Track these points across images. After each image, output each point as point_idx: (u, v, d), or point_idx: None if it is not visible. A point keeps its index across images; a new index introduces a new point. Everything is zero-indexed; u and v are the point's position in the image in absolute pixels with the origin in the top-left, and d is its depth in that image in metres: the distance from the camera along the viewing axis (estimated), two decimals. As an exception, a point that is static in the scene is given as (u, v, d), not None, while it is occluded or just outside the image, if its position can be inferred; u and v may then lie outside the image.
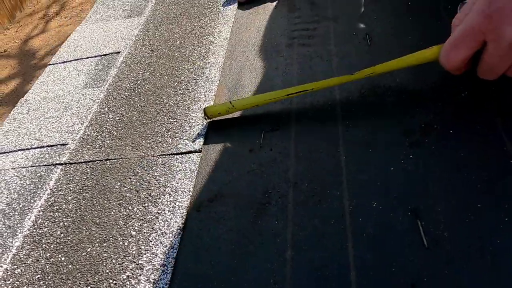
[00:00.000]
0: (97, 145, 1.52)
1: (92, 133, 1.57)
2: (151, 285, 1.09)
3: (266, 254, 1.08)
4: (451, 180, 1.10)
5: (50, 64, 2.00)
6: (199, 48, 1.85)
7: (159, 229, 1.21)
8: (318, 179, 1.22)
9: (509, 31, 0.78)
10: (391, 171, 1.18)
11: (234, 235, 1.14)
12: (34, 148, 1.57)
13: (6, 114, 6.74)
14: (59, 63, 2.00)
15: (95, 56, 1.96)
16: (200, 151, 1.41)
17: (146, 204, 1.28)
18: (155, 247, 1.17)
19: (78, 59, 1.98)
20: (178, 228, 1.20)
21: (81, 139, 1.55)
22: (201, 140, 1.44)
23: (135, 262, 1.14)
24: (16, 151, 1.58)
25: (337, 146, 1.29)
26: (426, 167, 1.16)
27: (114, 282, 1.11)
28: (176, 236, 1.19)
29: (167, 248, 1.17)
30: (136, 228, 1.22)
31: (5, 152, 1.59)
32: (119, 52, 1.94)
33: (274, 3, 1.99)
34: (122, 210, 1.28)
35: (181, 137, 1.47)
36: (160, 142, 1.47)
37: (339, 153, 1.27)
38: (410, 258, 0.97)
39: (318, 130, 1.36)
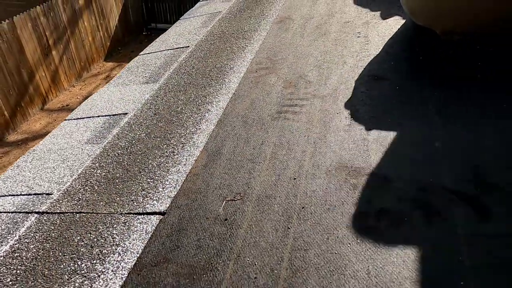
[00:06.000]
0: (77, 198, 1.48)
1: (77, 186, 1.54)
2: None
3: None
4: None
5: (66, 120, 2.03)
6: (196, 115, 1.82)
7: (97, 288, 1.11)
8: (264, 239, 1.09)
9: None
10: None
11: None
12: (23, 195, 1.55)
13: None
14: (73, 119, 2.03)
15: (105, 116, 1.98)
16: (164, 213, 1.32)
17: (94, 261, 1.19)
18: (86, 307, 1.07)
19: (90, 117, 2.00)
20: (115, 290, 1.10)
21: (65, 190, 1.52)
22: (168, 202, 1.36)
23: (62, 320, 1.04)
24: (7, 195, 1.56)
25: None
26: None
27: None
28: (111, 298, 1.09)
29: (97, 310, 1.06)
30: (76, 285, 1.14)
31: (-3, 196, 1.58)
32: (126, 114, 1.94)
33: (273, 80, 1.96)
34: (71, 264, 1.20)
35: (152, 197, 1.40)
36: (132, 200, 1.41)
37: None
38: None
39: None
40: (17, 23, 7.88)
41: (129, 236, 1.28)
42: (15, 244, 1.35)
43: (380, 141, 1.39)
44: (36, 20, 8.49)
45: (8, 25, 7.49)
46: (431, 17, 1.81)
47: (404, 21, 2.19)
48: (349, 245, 1.07)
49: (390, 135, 1.40)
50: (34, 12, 8.07)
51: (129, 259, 1.19)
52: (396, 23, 2.19)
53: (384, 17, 2.30)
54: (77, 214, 1.42)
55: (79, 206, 1.45)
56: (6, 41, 7.75)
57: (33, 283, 1.18)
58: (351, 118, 1.55)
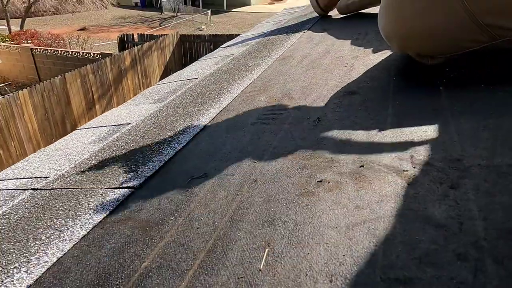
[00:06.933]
0: (69, 179, 1.64)
1: (72, 171, 1.71)
2: (27, 275, 1.11)
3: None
4: None
5: (78, 129, 2.26)
6: (188, 123, 2.00)
7: (63, 237, 1.25)
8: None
9: None
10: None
11: (116, 252, 1.14)
12: (25, 178, 1.74)
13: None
14: (84, 128, 2.25)
15: (112, 125, 2.19)
16: (136, 187, 1.47)
17: (68, 219, 1.33)
18: (50, 248, 1.20)
19: (99, 127, 2.22)
20: (77, 238, 1.23)
21: (61, 174, 1.70)
22: (142, 180, 1.50)
23: (27, 257, 1.18)
24: (11, 179, 1.76)
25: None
26: None
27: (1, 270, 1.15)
28: (73, 242, 1.22)
29: (58, 250, 1.19)
30: (48, 234, 1.27)
31: (3, 179, 1.77)
32: (129, 123, 2.15)
33: (262, 98, 2.13)
34: (48, 222, 1.34)
35: (132, 176, 1.55)
36: (114, 180, 1.56)
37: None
38: None
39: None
40: (68, 79, 8.58)
41: (103, 202, 1.42)
42: (7, 210, 1.51)
43: (336, 134, 1.51)
44: (85, 77, 9.19)
45: (59, 80, 8.17)
46: (404, 42, 1.97)
47: (391, 52, 2.35)
48: (284, 205, 1.17)
49: (347, 131, 1.52)
50: (84, 70, 8.77)
51: (97, 218, 1.33)
52: (382, 55, 2.36)
53: (374, 51, 2.47)
54: (64, 190, 1.58)
55: (67, 184, 1.62)
56: (56, 94, 8.39)
57: (12, 234, 1.33)
58: (318, 121, 1.67)
